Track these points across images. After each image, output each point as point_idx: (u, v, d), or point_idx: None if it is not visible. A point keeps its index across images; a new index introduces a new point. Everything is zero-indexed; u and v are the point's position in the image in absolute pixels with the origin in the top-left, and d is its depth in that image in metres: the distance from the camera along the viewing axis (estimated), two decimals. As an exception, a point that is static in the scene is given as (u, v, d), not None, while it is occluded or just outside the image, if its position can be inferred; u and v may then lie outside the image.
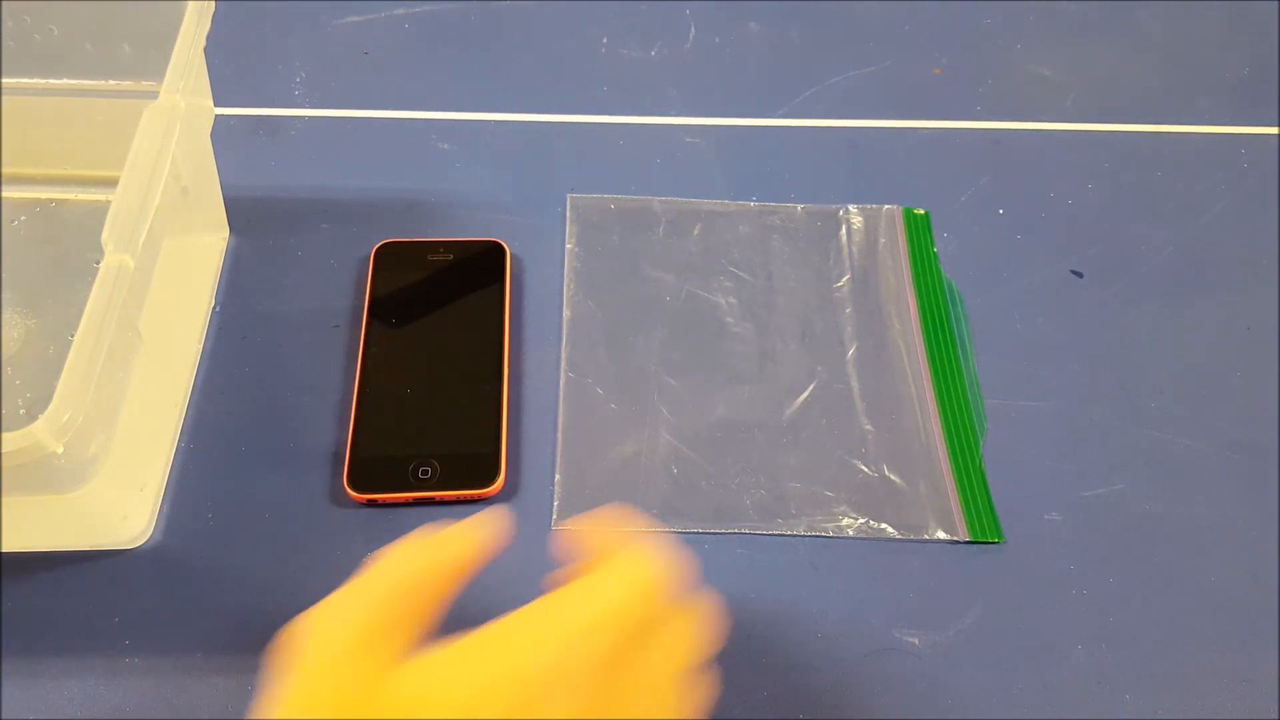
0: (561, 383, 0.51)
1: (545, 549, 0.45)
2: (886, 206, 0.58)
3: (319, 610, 0.27)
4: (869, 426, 0.50)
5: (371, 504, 0.47)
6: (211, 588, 0.45)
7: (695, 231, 0.56)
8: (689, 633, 0.29)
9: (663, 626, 0.29)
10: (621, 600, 0.27)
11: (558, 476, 0.48)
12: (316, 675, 0.26)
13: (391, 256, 0.54)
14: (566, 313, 0.53)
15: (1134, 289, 0.57)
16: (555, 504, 0.47)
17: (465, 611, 0.28)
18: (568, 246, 0.56)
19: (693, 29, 0.69)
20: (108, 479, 0.41)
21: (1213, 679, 0.44)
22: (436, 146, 0.61)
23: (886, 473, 0.48)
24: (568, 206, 0.58)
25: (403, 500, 0.47)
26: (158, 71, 0.44)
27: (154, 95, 0.43)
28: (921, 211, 0.57)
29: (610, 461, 0.49)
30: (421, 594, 0.28)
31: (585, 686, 0.26)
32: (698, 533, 0.47)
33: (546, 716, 0.25)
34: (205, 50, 0.46)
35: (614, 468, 0.49)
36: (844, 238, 0.56)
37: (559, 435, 0.49)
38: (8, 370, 0.49)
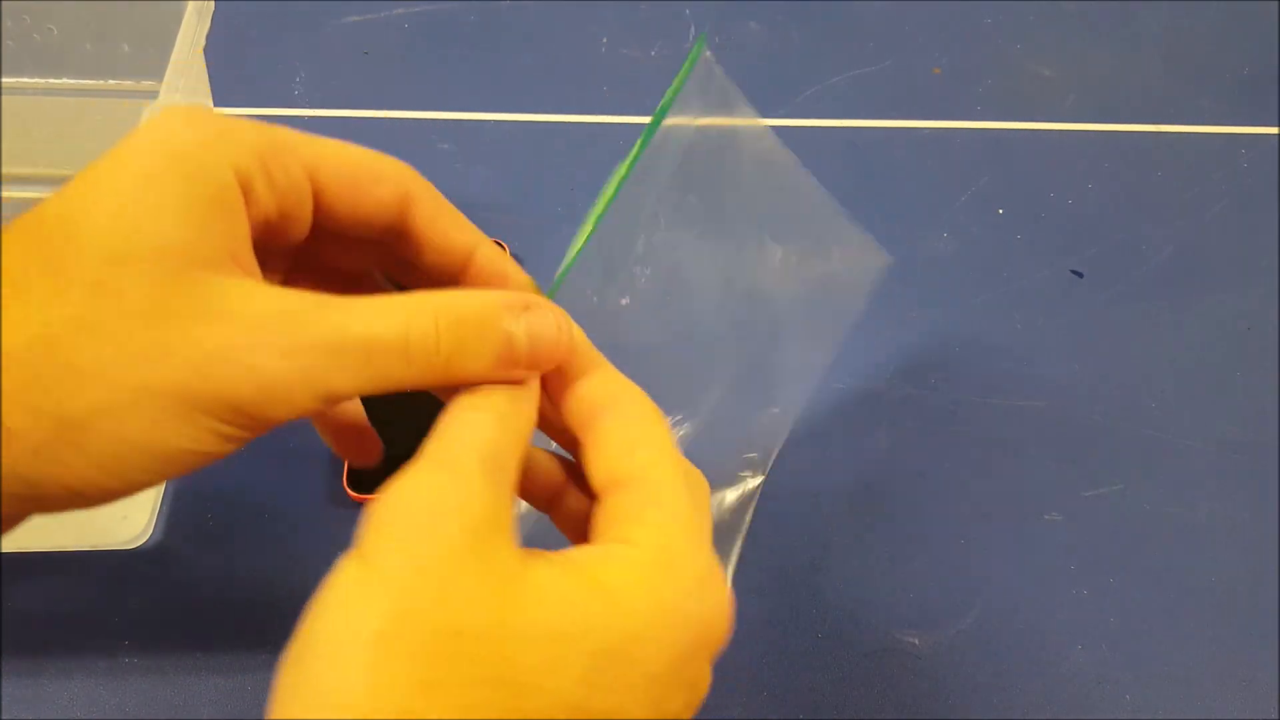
0: None
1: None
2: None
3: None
4: None
5: (371, 504, 0.47)
6: (211, 588, 0.45)
7: None
8: None
9: None
10: None
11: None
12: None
13: (391, 256, 0.54)
14: None
15: (1134, 289, 0.57)
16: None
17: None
18: None
19: (693, 28, 0.69)
20: (107, 479, 0.41)
21: (1213, 679, 0.44)
22: (436, 146, 0.61)
23: None
24: None
25: (402, 500, 0.47)
26: (157, 71, 0.44)
27: (153, 95, 0.43)
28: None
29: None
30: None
31: None
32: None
33: None
34: (205, 50, 0.46)
35: None
36: None
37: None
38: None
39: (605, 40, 0.68)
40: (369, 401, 0.48)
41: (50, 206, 0.21)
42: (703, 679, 0.23)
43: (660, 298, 0.35)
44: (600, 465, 0.24)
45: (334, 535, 0.46)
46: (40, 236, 0.21)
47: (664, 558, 0.22)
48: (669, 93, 0.30)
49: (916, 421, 0.51)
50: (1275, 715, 0.43)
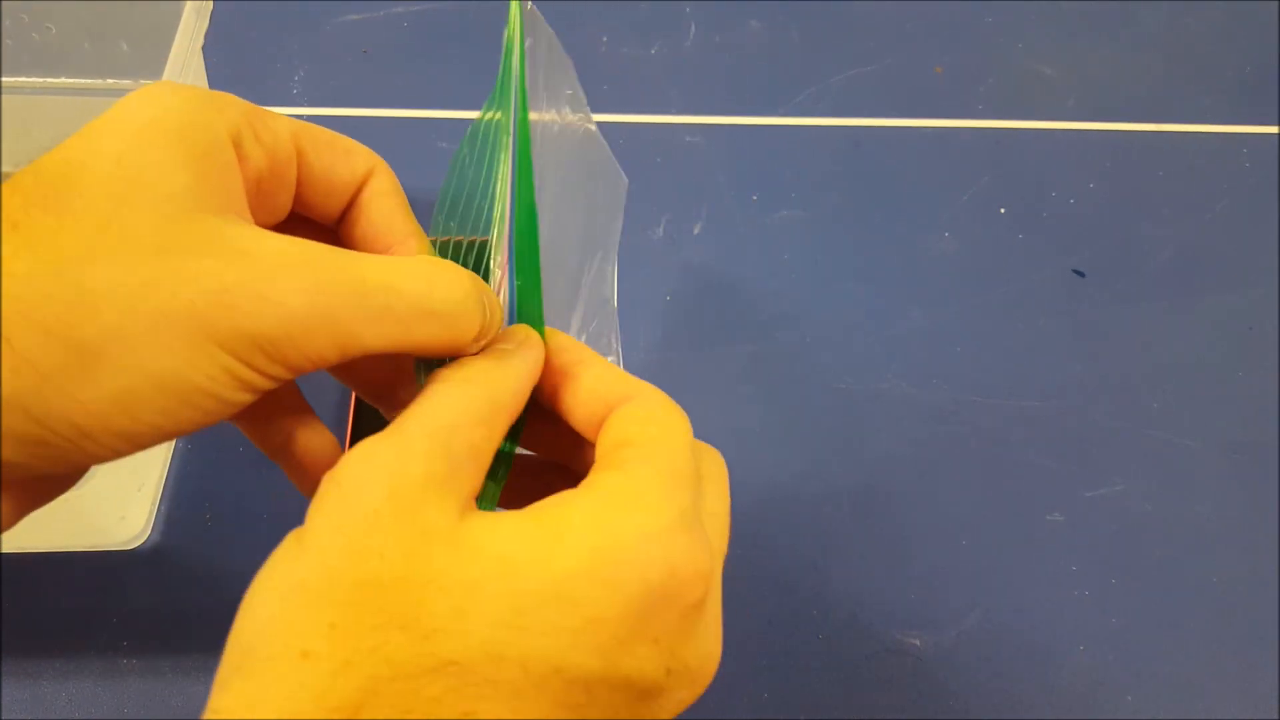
0: None
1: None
2: None
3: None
4: None
5: (371, 504, 0.47)
6: (209, 588, 0.44)
7: None
8: None
9: None
10: None
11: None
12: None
13: (391, 256, 0.54)
14: None
15: (1136, 289, 0.57)
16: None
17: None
18: None
19: (693, 27, 0.69)
20: (105, 479, 0.41)
21: (1214, 679, 0.44)
22: (435, 145, 0.61)
23: None
24: None
25: (402, 500, 0.46)
26: (155, 70, 0.43)
27: (152, 94, 0.42)
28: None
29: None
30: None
31: None
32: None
33: None
34: (203, 48, 0.46)
35: None
36: None
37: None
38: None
39: (605, 39, 0.68)
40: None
41: (47, 161, 0.21)
42: (685, 644, 0.21)
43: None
44: (608, 436, 0.23)
45: (333, 535, 0.46)
46: (39, 184, 0.20)
47: (626, 499, 0.21)
48: (515, 65, 0.29)
49: (917, 421, 0.51)
50: (1275, 716, 0.43)
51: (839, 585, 0.46)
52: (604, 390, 0.24)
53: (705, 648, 0.22)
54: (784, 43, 0.69)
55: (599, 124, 0.65)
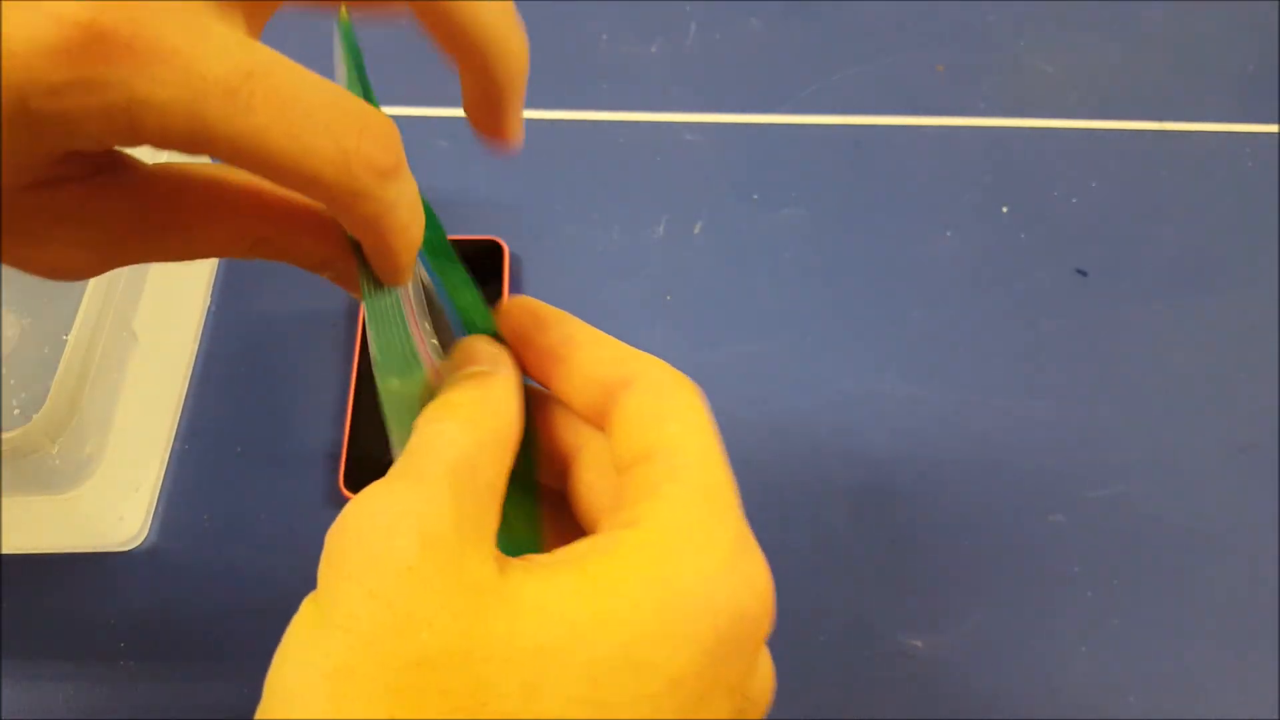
0: None
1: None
2: None
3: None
4: None
5: (369, 505, 0.47)
6: (207, 589, 0.44)
7: None
8: None
9: None
10: None
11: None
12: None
13: (390, 255, 0.54)
14: None
15: (1139, 288, 0.57)
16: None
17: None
18: None
19: (693, 25, 0.69)
20: (103, 480, 0.41)
21: (1215, 679, 0.44)
22: (435, 144, 0.61)
23: None
24: None
25: (401, 501, 0.46)
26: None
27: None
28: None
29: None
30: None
31: None
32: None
33: None
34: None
35: None
36: None
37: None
38: (4, 369, 0.49)
39: (605, 36, 0.68)
40: (362, 398, 0.46)
41: None
42: (751, 681, 0.19)
43: None
44: (624, 443, 0.21)
45: (331, 536, 0.46)
46: None
47: (677, 537, 0.19)
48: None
49: (918, 422, 0.51)
50: (1276, 716, 0.43)
51: (839, 587, 0.46)
52: (601, 373, 0.22)
53: (764, 675, 0.20)
54: (784, 41, 0.68)
55: (598, 123, 0.64)
